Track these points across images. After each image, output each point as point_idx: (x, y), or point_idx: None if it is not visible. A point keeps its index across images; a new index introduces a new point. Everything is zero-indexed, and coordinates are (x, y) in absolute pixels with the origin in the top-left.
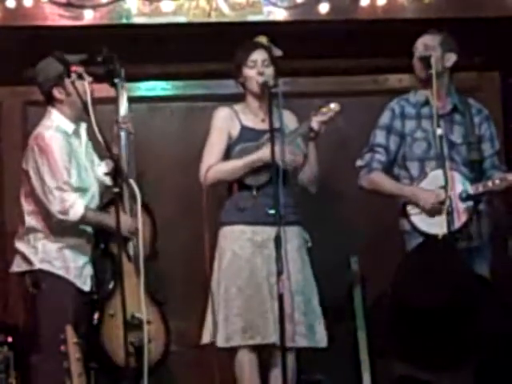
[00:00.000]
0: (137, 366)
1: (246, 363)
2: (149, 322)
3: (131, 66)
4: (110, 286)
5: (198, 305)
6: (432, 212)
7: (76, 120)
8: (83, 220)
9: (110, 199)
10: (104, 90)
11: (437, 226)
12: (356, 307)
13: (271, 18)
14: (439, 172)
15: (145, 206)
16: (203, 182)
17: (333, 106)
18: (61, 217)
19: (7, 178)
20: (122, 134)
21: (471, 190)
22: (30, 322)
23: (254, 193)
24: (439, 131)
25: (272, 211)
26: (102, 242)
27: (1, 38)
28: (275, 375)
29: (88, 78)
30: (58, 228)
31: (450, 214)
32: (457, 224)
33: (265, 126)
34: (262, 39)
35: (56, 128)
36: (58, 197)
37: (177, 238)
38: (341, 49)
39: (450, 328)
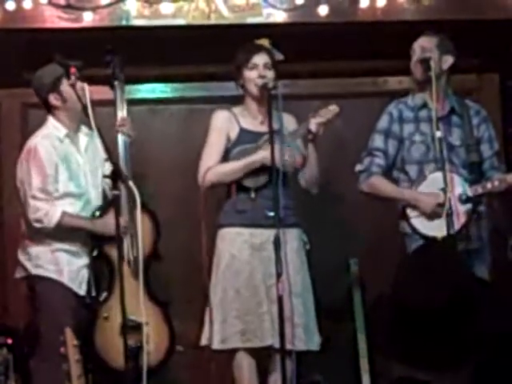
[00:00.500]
0: (133, 368)
1: (245, 367)
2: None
3: (131, 68)
4: (105, 288)
5: (196, 306)
6: (432, 216)
7: (73, 125)
8: (61, 226)
9: (108, 202)
10: (100, 92)
11: (436, 229)
12: (355, 309)
13: (271, 20)
14: (438, 174)
15: (144, 208)
16: (201, 184)
17: (331, 108)
18: (36, 225)
19: (6, 179)
20: (119, 136)
21: (470, 191)
22: (29, 325)
23: (252, 195)
24: (438, 133)
25: (271, 213)
26: (96, 245)
27: (0, 40)
28: (274, 379)
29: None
30: (50, 233)
31: (449, 216)
32: (456, 226)
33: (264, 128)
34: (265, 42)
35: (45, 135)
36: (33, 206)
37: (176, 240)
38: (340, 51)
39: (449, 329)
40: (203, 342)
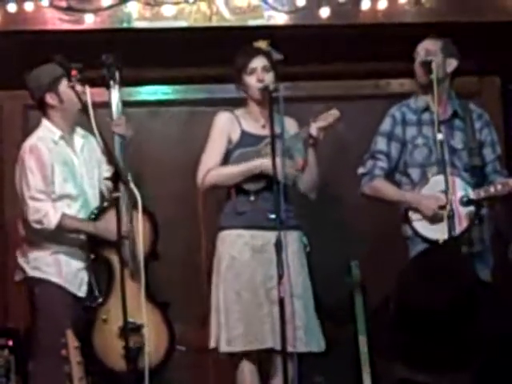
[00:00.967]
0: (133, 370)
1: (247, 373)
2: (143, 326)
3: (132, 70)
4: (103, 290)
5: (195, 308)
6: (434, 218)
7: (68, 127)
8: (60, 228)
9: (107, 204)
10: (101, 94)
11: (439, 232)
12: (357, 311)
13: (272, 22)
14: (441, 177)
15: (143, 209)
16: (200, 185)
17: (332, 112)
18: (36, 226)
19: (7, 180)
20: (115, 136)
21: (473, 195)
22: (30, 327)
23: (252, 198)
24: (440, 136)
25: (273, 216)
26: (95, 248)
27: (2, 42)
28: (276, 383)
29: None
30: (49, 235)
31: (451, 219)
32: (458, 229)
33: (265, 131)
34: (262, 44)
35: (40, 137)
36: (32, 207)
37: (176, 242)
38: (342, 53)
39: (451, 331)
40: (212, 344)
